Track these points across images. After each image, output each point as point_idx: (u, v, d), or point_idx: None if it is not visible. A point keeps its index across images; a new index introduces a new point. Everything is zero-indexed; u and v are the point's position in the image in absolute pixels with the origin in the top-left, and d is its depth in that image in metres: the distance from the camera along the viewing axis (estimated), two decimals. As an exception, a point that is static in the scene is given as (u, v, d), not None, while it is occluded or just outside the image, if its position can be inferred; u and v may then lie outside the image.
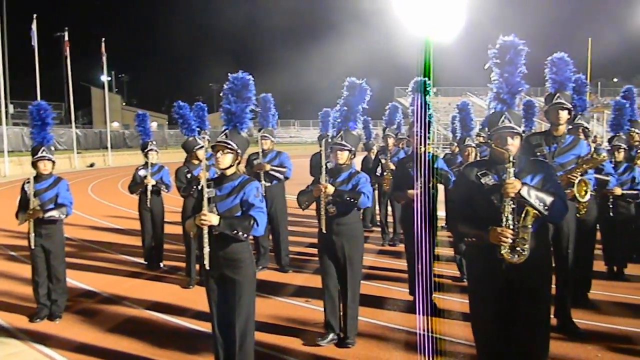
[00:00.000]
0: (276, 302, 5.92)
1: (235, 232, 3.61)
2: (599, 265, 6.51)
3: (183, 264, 6.92)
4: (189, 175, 6.49)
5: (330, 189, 4.49)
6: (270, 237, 7.44)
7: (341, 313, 4.68)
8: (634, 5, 48.56)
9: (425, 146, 5.35)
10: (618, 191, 6.28)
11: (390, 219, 9.33)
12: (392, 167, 8.03)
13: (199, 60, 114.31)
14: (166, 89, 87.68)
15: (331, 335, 4.67)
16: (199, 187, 3.75)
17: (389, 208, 9.38)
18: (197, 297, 5.78)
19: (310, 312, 5.43)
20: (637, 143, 7.58)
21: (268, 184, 6.99)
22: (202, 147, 6.65)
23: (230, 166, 3.80)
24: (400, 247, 8.37)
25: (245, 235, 3.65)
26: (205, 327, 4.76)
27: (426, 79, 5.42)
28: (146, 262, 7.57)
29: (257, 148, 7.13)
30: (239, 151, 3.81)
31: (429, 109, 5.36)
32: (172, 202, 8.24)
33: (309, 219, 9.72)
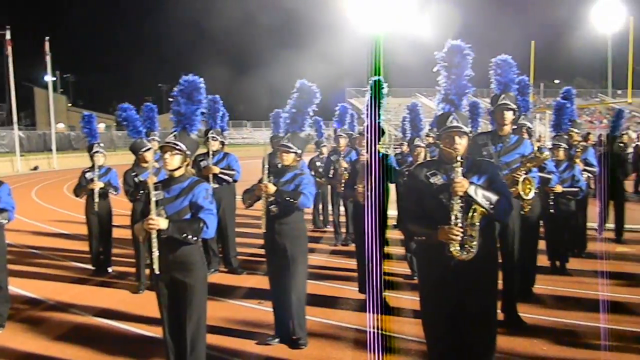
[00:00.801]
0: (228, 305, 5.86)
1: (185, 235, 3.56)
2: (543, 260, 6.75)
3: (132, 269, 6.76)
4: (137, 179, 6.34)
5: (271, 189, 4.50)
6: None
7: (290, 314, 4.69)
8: (573, 10, 50.74)
9: (376, 146, 5.42)
10: (559, 189, 6.54)
11: (342, 218, 9.41)
12: (345, 165, 8.09)
13: (148, 60, 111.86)
14: (114, 89, 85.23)
15: (280, 337, 4.68)
16: (147, 191, 3.67)
17: (342, 208, 9.47)
18: (147, 302, 5.65)
19: (263, 314, 5.40)
20: (576, 142, 7.92)
21: (216, 186, 6.92)
22: (149, 149, 6.50)
23: (179, 167, 3.75)
24: (353, 246, 8.45)
25: (195, 238, 3.61)
26: (156, 332, 4.67)
27: (381, 77, 5.48)
28: (94, 268, 7.34)
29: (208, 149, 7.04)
30: (187, 152, 3.77)
31: (382, 109, 5.42)
32: (120, 205, 8.03)
33: (259, 219, 9.63)
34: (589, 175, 7.95)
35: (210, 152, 7.02)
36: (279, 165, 4.75)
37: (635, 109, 58.35)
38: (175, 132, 3.79)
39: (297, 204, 4.50)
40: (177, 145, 3.71)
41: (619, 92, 57.86)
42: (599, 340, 4.61)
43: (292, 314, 4.63)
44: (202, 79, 3.95)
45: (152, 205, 3.55)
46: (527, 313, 5.22)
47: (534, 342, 4.66)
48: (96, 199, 7.07)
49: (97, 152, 7.17)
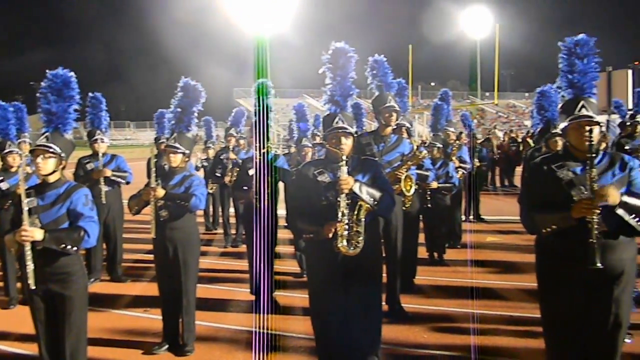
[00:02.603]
0: (112, 315, 5.58)
1: (64, 245, 3.30)
2: (422, 252, 7.14)
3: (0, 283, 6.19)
4: (2, 186, 5.74)
5: (160, 192, 4.35)
6: (104, 245, 6.98)
7: (180, 320, 4.57)
8: (446, 16, 54.30)
9: (265, 146, 5.43)
10: (435, 185, 6.98)
11: (232, 219, 9.32)
12: (233, 156, 8.03)
13: (19, 55, 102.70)
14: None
15: (168, 344, 4.55)
16: (16, 199, 3.35)
17: (232, 209, 9.38)
18: (20, 318, 5.20)
19: (150, 322, 5.20)
20: (452, 141, 8.50)
21: (107, 189, 6.56)
22: (12, 151, 5.88)
23: (54, 172, 3.49)
24: (243, 247, 8.41)
25: (75, 248, 3.35)
26: (31, 349, 4.30)
27: (266, 80, 5.50)
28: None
29: (87, 151, 6.64)
30: (62, 155, 3.51)
31: (270, 110, 5.44)
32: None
33: (146, 224, 9.27)
34: (464, 171, 8.56)
35: (100, 155, 6.63)
36: (167, 168, 4.59)
37: (501, 109, 63.74)
38: (47, 133, 3.52)
39: (189, 206, 4.38)
40: (50, 147, 3.45)
41: (487, 94, 62.80)
42: (473, 325, 4.98)
43: (182, 320, 4.51)
44: (72, 73, 3.69)
45: (25, 215, 3.25)
46: (409, 303, 5.50)
47: (416, 330, 4.93)
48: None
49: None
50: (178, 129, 4.60)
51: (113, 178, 6.67)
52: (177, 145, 4.50)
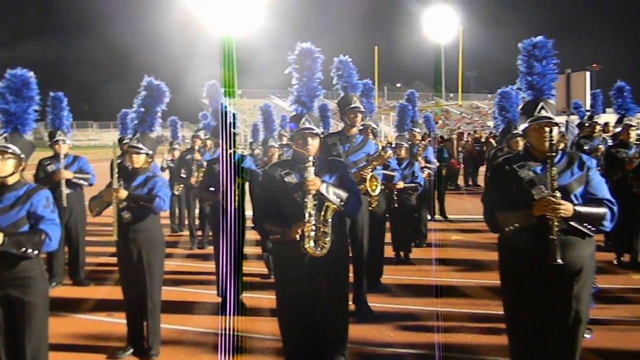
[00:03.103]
0: (75, 320, 5.45)
1: (24, 249, 3.19)
2: (389, 252, 7.21)
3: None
4: None
5: (123, 194, 4.27)
6: (66, 249, 6.82)
7: (144, 323, 4.50)
8: (412, 19, 55.00)
9: (232, 147, 5.40)
10: (401, 185, 7.05)
11: (198, 221, 9.22)
12: (199, 157, 7.95)
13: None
14: None
15: (132, 348, 4.48)
16: None
17: (197, 211, 9.28)
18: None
19: (113, 326, 5.11)
20: (417, 141, 8.61)
21: (68, 192, 6.40)
22: None
23: (13, 173, 3.39)
24: (209, 249, 8.34)
25: (36, 252, 3.25)
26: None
27: (218, 82, 5.47)
28: None
29: (49, 153, 6.47)
30: (22, 156, 3.41)
31: (229, 111, 5.41)
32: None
33: (109, 226, 9.08)
34: (429, 171, 8.68)
35: (62, 156, 6.46)
36: (130, 168, 4.50)
37: (465, 110, 64.87)
38: (5, 134, 3.42)
39: (153, 207, 4.31)
40: (9, 148, 3.35)
41: (451, 95, 63.81)
42: (438, 323, 5.06)
43: (147, 323, 4.44)
44: (32, 73, 3.61)
45: (-20, 217, 3.15)
46: (376, 303, 5.54)
47: (382, 329, 4.97)
48: None
49: None
50: (141, 129, 4.53)
51: (75, 180, 6.52)
52: (139, 145, 4.42)
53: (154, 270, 4.43)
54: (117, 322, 5.08)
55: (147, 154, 4.46)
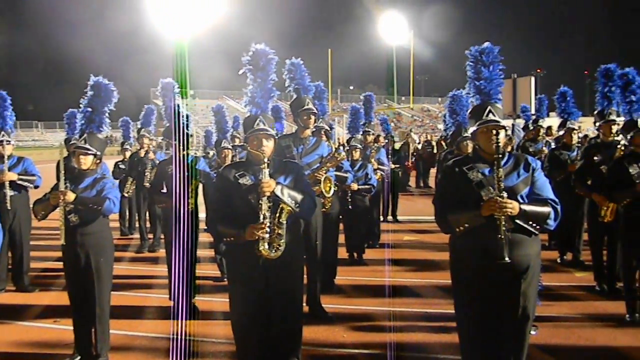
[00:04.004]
0: (19, 327, 5.24)
1: None
2: (342, 253, 7.26)
3: None
4: None
5: (70, 196, 4.13)
6: (10, 254, 6.55)
7: (92, 330, 4.37)
8: (365, 22, 55.61)
9: (186, 148, 5.32)
10: (355, 186, 7.12)
11: (149, 223, 9.03)
12: (152, 157, 7.77)
13: None
14: None
15: (80, 356, 4.34)
16: None
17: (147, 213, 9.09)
18: None
19: (60, 333, 4.94)
20: (370, 143, 8.72)
21: (12, 194, 6.14)
22: None
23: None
24: (161, 252, 8.18)
25: None
26: None
27: (174, 81, 5.39)
28: None
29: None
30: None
31: (182, 111, 5.34)
32: None
33: (55, 230, 8.80)
34: (382, 173, 8.80)
35: (5, 157, 6.19)
36: (77, 170, 4.37)
37: (416, 113, 66.09)
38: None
39: (102, 210, 4.19)
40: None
41: (403, 98, 64.93)
42: (390, 322, 5.13)
43: (96, 329, 4.31)
44: None
45: None
46: (330, 304, 5.57)
47: (336, 330, 5.00)
48: None
49: None
50: (89, 130, 4.41)
51: (19, 182, 6.26)
52: (87, 146, 4.29)
53: (103, 275, 4.31)
54: (64, 329, 4.91)
55: (95, 155, 4.34)
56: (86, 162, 4.31)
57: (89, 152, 4.30)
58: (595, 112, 6.08)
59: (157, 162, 7.81)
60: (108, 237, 4.46)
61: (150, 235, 8.91)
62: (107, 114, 4.51)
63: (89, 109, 4.43)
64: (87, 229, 4.25)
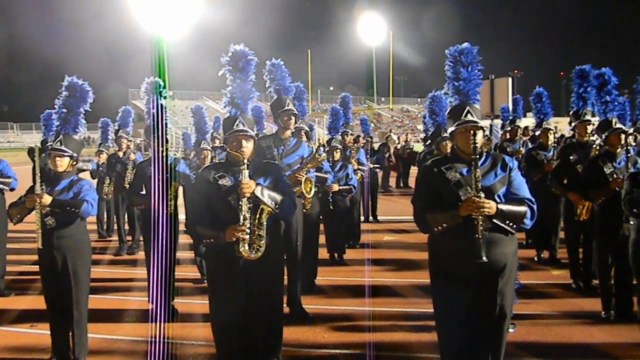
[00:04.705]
0: (-6, 332, 5.15)
1: None
2: (323, 254, 7.27)
3: None
4: None
5: (47, 199, 4.06)
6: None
7: (70, 334, 4.31)
8: (346, 24, 55.87)
9: (165, 149, 5.28)
10: (335, 187, 7.14)
11: (127, 226, 8.93)
12: (133, 157, 7.68)
13: None
14: None
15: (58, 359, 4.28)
16: None
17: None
18: None
19: (37, 337, 4.86)
20: (350, 144, 8.74)
21: None
22: None
23: None
24: (140, 254, 8.09)
25: None
26: None
27: (159, 79, 5.35)
28: None
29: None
30: None
31: (165, 111, 5.29)
32: None
33: (31, 233, 8.65)
34: (362, 173, 8.83)
35: None
36: (53, 172, 4.30)
37: (396, 114, 66.44)
38: None
39: (80, 213, 4.12)
40: None
41: (383, 99, 65.23)
42: (371, 322, 5.15)
43: (74, 333, 4.25)
44: None
45: None
46: (310, 304, 5.57)
47: (316, 330, 5.01)
48: None
49: None
50: (64, 131, 4.34)
51: None
52: (63, 148, 4.23)
53: (80, 278, 4.25)
54: (40, 333, 4.83)
55: (71, 157, 4.28)
56: (62, 164, 4.25)
57: (65, 154, 4.23)
58: (571, 112, 6.18)
59: (137, 162, 7.74)
60: (85, 240, 4.40)
61: (129, 238, 8.81)
62: (82, 115, 4.45)
63: (64, 110, 4.37)
64: (64, 232, 4.19)
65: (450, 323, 3.34)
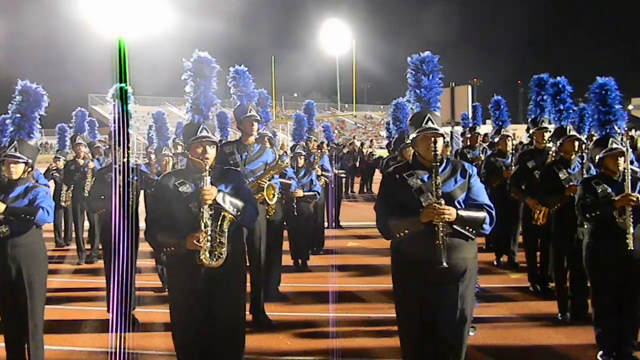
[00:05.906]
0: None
1: None
2: (287, 260, 7.24)
3: None
4: None
5: (0, 207, 3.95)
6: None
7: (25, 346, 4.16)
8: (310, 32, 56.08)
9: (126, 155, 5.18)
10: (300, 193, 7.14)
11: (86, 234, 8.71)
12: (92, 165, 7.50)
13: None
14: None
15: None
16: None
17: (86, 223, 8.75)
18: None
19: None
20: (314, 150, 8.77)
21: None
22: None
23: None
24: (99, 263, 7.89)
25: None
26: None
27: (124, 85, 5.26)
28: None
29: None
30: None
31: (129, 117, 5.20)
32: None
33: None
34: (326, 179, 8.86)
35: None
36: (7, 179, 4.15)
37: (360, 120, 66.93)
38: None
39: (35, 220, 4.00)
40: None
41: (347, 105, 65.64)
42: (334, 328, 5.16)
43: (28, 345, 4.11)
44: None
45: None
46: (274, 311, 5.55)
47: (280, 338, 4.98)
48: None
49: None
50: (18, 137, 4.21)
51: None
52: (17, 154, 4.10)
53: (36, 288, 4.12)
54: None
55: (26, 163, 4.15)
56: (17, 170, 4.12)
57: (20, 160, 4.11)
58: (529, 119, 6.35)
59: (96, 170, 7.56)
60: (41, 249, 4.27)
61: (88, 246, 8.58)
62: (37, 120, 4.33)
63: (18, 115, 4.25)
64: (19, 241, 4.05)
65: (412, 327, 3.37)
